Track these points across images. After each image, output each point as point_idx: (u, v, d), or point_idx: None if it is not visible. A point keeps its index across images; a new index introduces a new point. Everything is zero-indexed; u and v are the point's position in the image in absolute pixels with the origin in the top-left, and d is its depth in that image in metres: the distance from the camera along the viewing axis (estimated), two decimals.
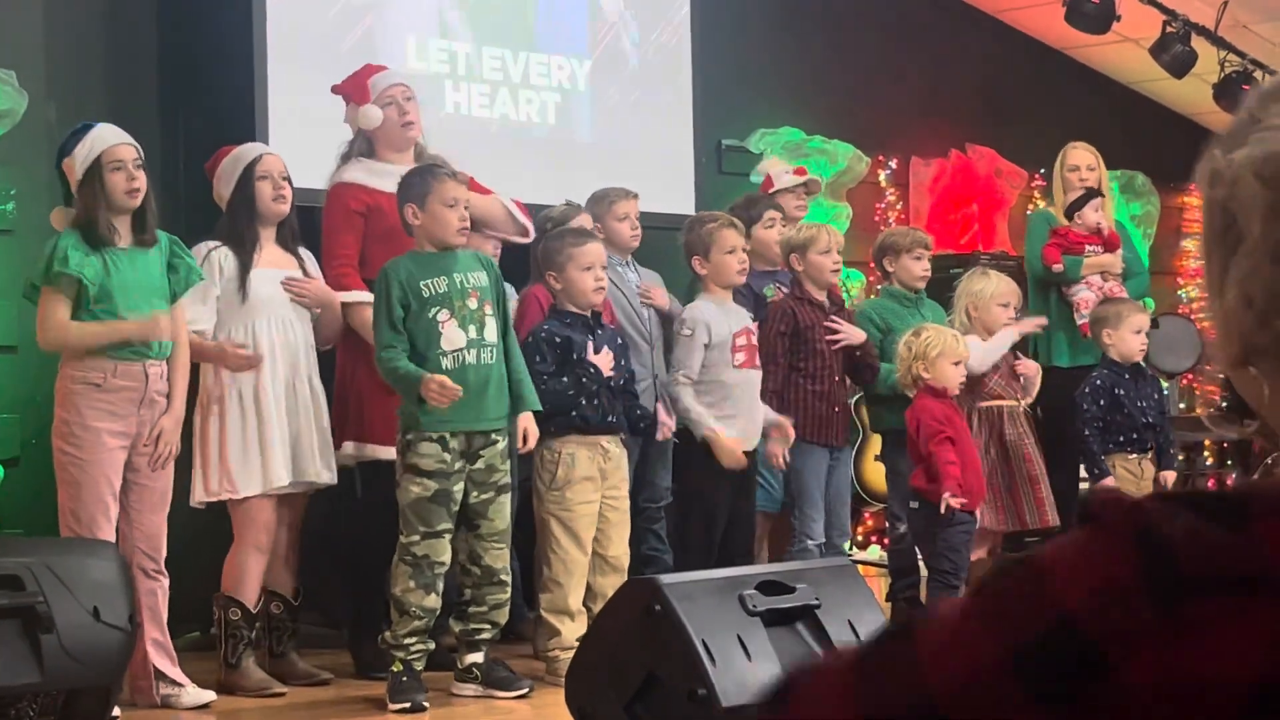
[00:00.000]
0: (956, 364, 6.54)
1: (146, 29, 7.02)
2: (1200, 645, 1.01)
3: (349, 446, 6.12)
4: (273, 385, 5.90)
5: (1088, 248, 7.82)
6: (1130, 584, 1.03)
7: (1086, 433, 7.10)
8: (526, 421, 5.79)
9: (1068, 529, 1.14)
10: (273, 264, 5.98)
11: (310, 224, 6.25)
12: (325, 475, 6.04)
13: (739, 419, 6.52)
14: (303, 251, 6.13)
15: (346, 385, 6.18)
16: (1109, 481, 6.99)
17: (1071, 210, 7.89)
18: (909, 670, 1.05)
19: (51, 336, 5.46)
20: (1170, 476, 7.28)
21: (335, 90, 6.43)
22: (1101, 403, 7.11)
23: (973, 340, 6.87)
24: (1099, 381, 7.16)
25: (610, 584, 5.94)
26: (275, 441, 5.87)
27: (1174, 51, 9.66)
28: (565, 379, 5.96)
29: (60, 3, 6.77)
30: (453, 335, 5.64)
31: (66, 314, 5.40)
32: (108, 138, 5.50)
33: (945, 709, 1.03)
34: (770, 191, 7.69)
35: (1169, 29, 9.66)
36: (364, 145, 6.29)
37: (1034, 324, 7.18)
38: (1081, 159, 8.01)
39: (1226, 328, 1.18)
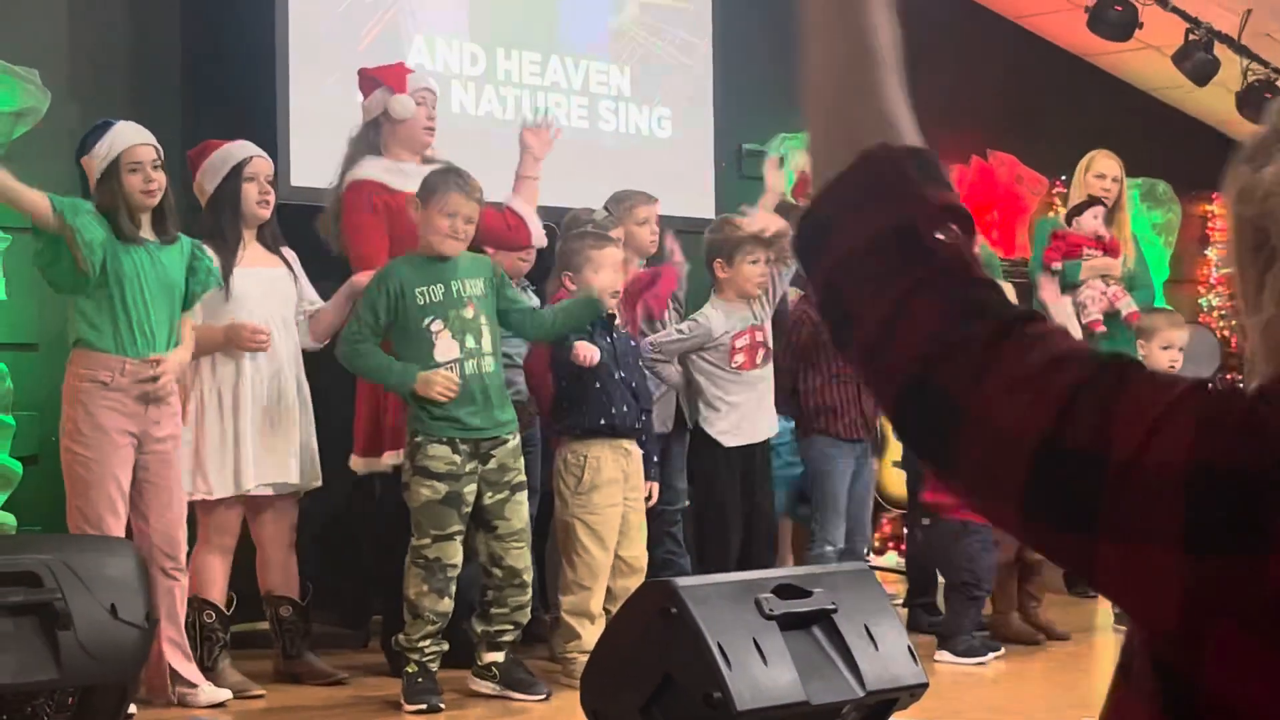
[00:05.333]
0: None
1: (169, 28, 7.04)
2: None
3: (389, 456, 6.01)
4: (253, 387, 5.87)
5: (1086, 251, 7.87)
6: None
7: None
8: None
9: None
10: (256, 263, 5.96)
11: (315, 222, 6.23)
12: (308, 479, 6.00)
13: (733, 415, 6.59)
14: (286, 251, 6.09)
15: (376, 395, 6.09)
16: None
17: (1071, 215, 7.95)
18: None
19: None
20: None
21: (366, 72, 6.36)
22: None
23: None
24: None
25: (629, 586, 5.93)
26: (249, 444, 5.84)
27: (1196, 59, 9.63)
28: (598, 384, 5.96)
29: (84, 2, 6.79)
30: (446, 346, 5.63)
31: (37, 195, 5.37)
32: (128, 137, 5.52)
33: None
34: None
35: (1191, 37, 9.64)
36: (379, 137, 6.23)
37: None
38: (1109, 168, 8.06)
39: (1268, 344, 1.17)
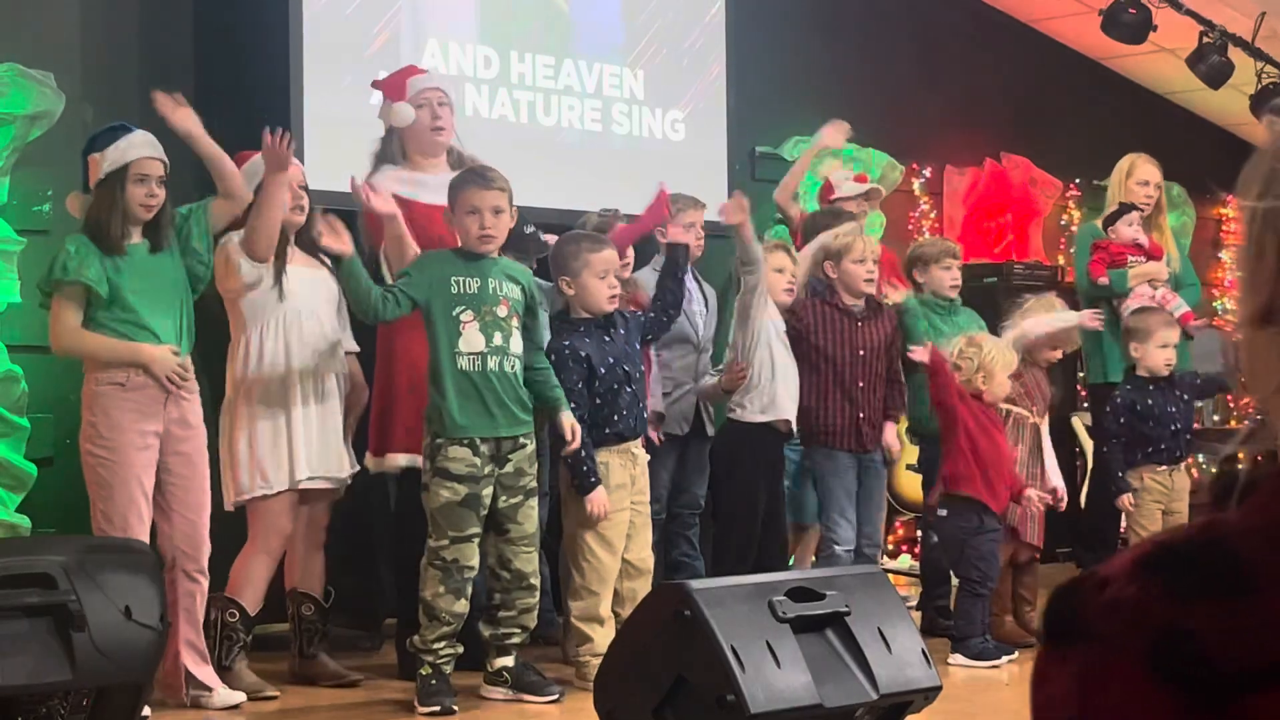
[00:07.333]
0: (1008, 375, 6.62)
1: (182, 31, 7.06)
2: None
3: (400, 458, 6.05)
4: (300, 382, 5.90)
5: (1130, 258, 7.78)
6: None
7: (1105, 449, 7.09)
8: (568, 419, 5.78)
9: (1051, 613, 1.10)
10: (296, 265, 5.98)
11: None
12: (349, 468, 6.06)
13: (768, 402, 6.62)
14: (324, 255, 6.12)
15: (386, 395, 6.11)
16: (1126, 499, 6.96)
17: (1107, 224, 7.87)
18: None
19: (65, 343, 5.52)
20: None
21: (375, 85, 6.42)
22: (1122, 420, 7.04)
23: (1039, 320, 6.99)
24: (1119, 399, 7.10)
25: (636, 587, 5.95)
26: (301, 437, 5.88)
27: (1210, 62, 9.62)
28: (598, 400, 5.95)
29: (97, 5, 6.81)
30: (472, 338, 5.64)
31: (78, 320, 5.45)
32: (140, 148, 5.51)
33: None
34: (831, 199, 7.64)
35: (1206, 39, 9.62)
36: (396, 145, 6.27)
37: (1094, 316, 7.24)
38: (1151, 174, 7.96)
39: (1255, 280, 1.12)
